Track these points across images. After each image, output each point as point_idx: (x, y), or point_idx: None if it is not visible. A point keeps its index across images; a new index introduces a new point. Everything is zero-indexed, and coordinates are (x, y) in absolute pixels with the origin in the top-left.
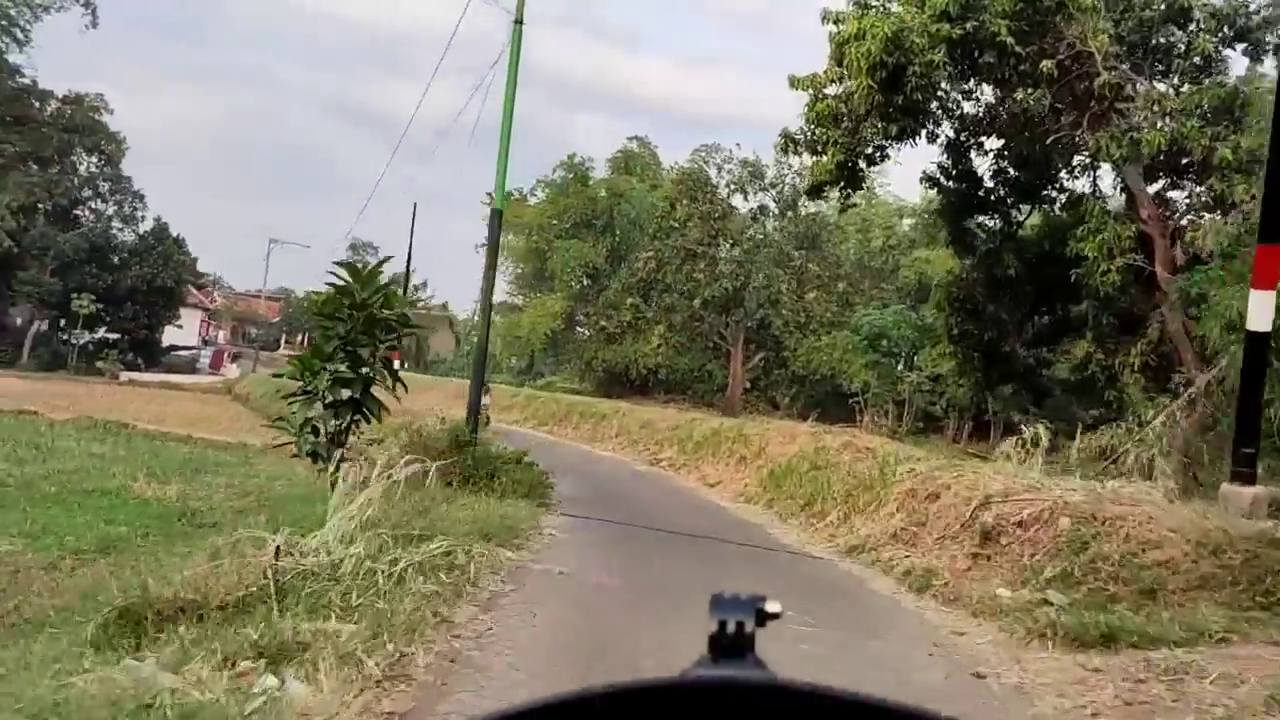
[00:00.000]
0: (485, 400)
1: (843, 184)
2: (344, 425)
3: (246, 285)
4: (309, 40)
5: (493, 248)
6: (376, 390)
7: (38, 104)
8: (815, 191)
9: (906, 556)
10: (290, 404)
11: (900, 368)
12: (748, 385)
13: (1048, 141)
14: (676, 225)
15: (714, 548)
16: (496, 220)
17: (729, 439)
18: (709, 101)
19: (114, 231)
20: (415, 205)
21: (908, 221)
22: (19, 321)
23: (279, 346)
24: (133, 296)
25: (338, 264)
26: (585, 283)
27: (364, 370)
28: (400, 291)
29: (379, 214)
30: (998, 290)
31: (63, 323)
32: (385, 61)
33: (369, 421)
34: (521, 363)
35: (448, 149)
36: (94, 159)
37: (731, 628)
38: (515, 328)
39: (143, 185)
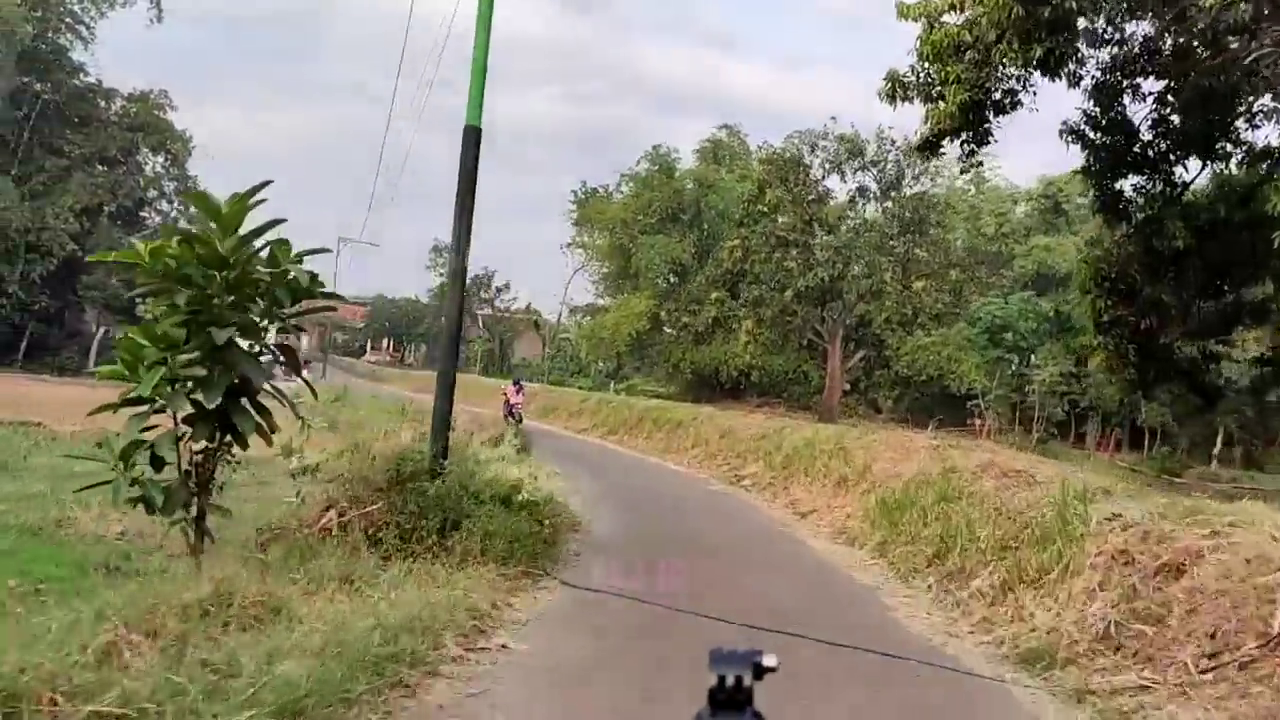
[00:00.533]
0: (518, 399)
1: (966, 135)
2: (205, 454)
3: (346, 294)
4: (408, 56)
5: (466, 175)
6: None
7: (102, 103)
8: (931, 145)
9: (1149, 696)
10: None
11: (1022, 364)
12: (847, 387)
13: (1233, 75)
14: (766, 211)
15: (798, 653)
16: (472, 142)
17: (825, 452)
18: (803, 104)
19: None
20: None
21: (1022, 208)
22: (93, 328)
23: (364, 352)
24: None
25: (184, 193)
26: (671, 280)
27: (231, 365)
28: (289, 252)
29: (480, 223)
30: (1158, 267)
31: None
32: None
33: (243, 447)
34: (608, 365)
35: (539, 154)
36: (160, 159)
37: (730, 681)
38: (600, 329)
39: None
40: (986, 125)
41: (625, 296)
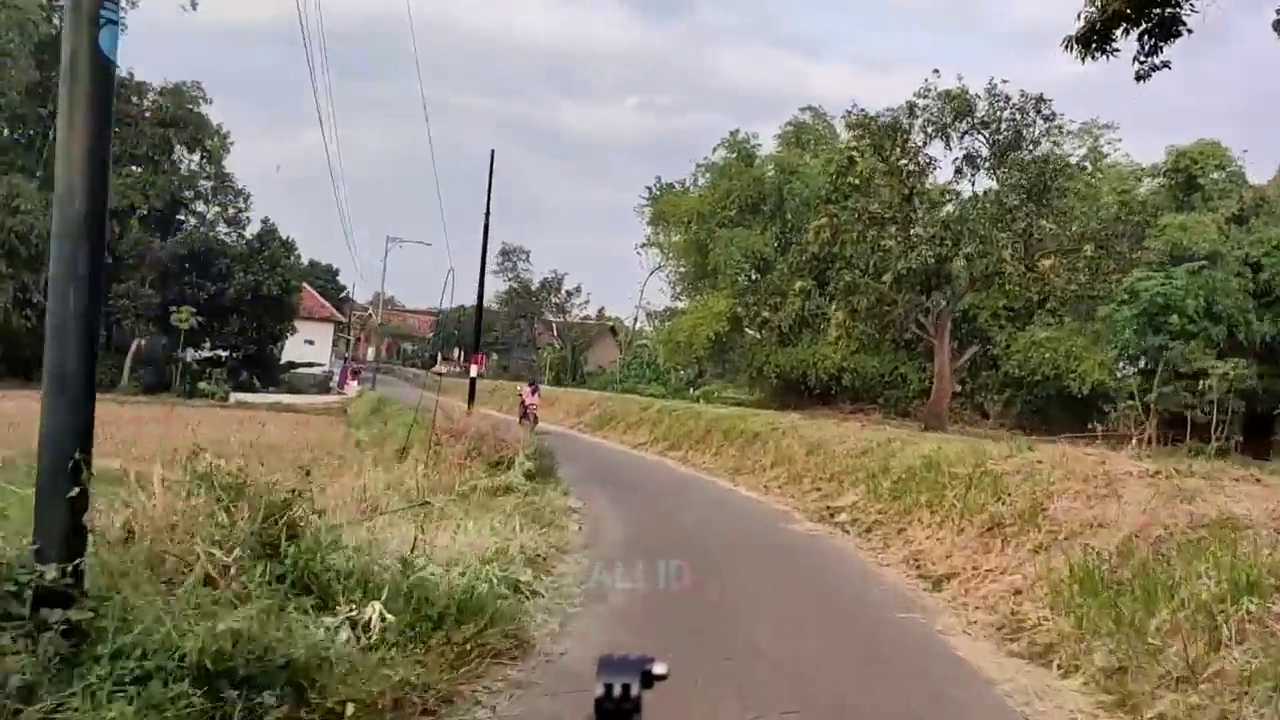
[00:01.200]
0: (533, 400)
1: (1146, 22)
2: None
3: (412, 304)
4: (484, 70)
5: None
6: None
7: (134, 99)
8: (1097, 38)
9: None
10: None
11: (1186, 355)
12: (957, 388)
13: None
14: (857, 185)
15: None
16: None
17: (959, 479)
18: (890, 105)
19: (222, 236)
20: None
21: (1147, 184)
22: (131, 340)
23: (435, 363)
24: (237, 307)
25: None
26: (753, 276)
27: None
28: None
29: (556, 233)
30: None
31: (166, 340)
32: (558, 83)
33: None
34: (688, 372)
35: (618, 164)
36: (195, 156)
37: (618, 690)
38: (676, 332)
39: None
40: (1174, 7)
41: (703, 296)
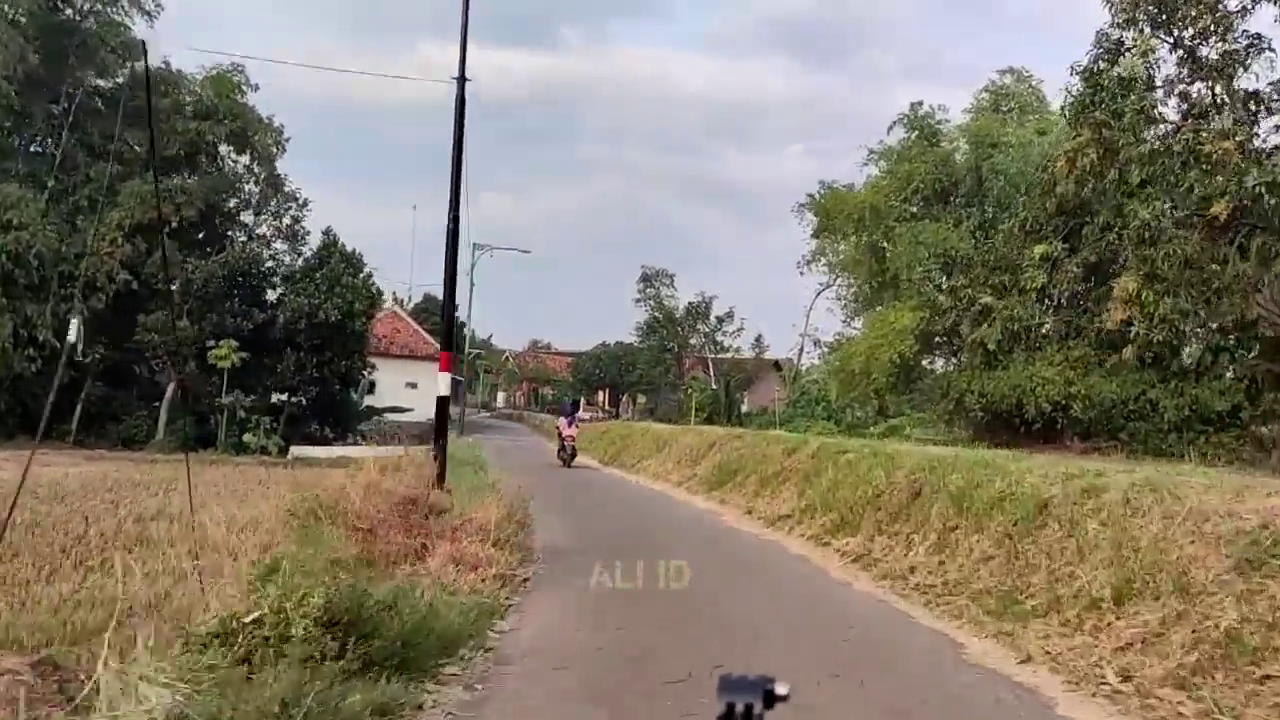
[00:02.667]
0: (570, 430)
1: None
2: None
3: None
4: (658, 127)
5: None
6: None
7: (165, 89)
8: None
9: None
10: None
11: None
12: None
13: None
14: (1129, 80)
15: None
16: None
17: None
18: None
19: (277, 253)
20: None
21: None
22: (162, 382)
23: (577, 408)
24: (291, 339)
25: None
26: (943, 283)
27: None
28: None
29: (728, 278)
30: None
31: (211, 382)
32: (729, 135)
33: None
34: (868, 409)
35: (782, 210)
36: (244, 157)
37: (740, 709)
38: (849, 360)
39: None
40: None
41: (880, 311)
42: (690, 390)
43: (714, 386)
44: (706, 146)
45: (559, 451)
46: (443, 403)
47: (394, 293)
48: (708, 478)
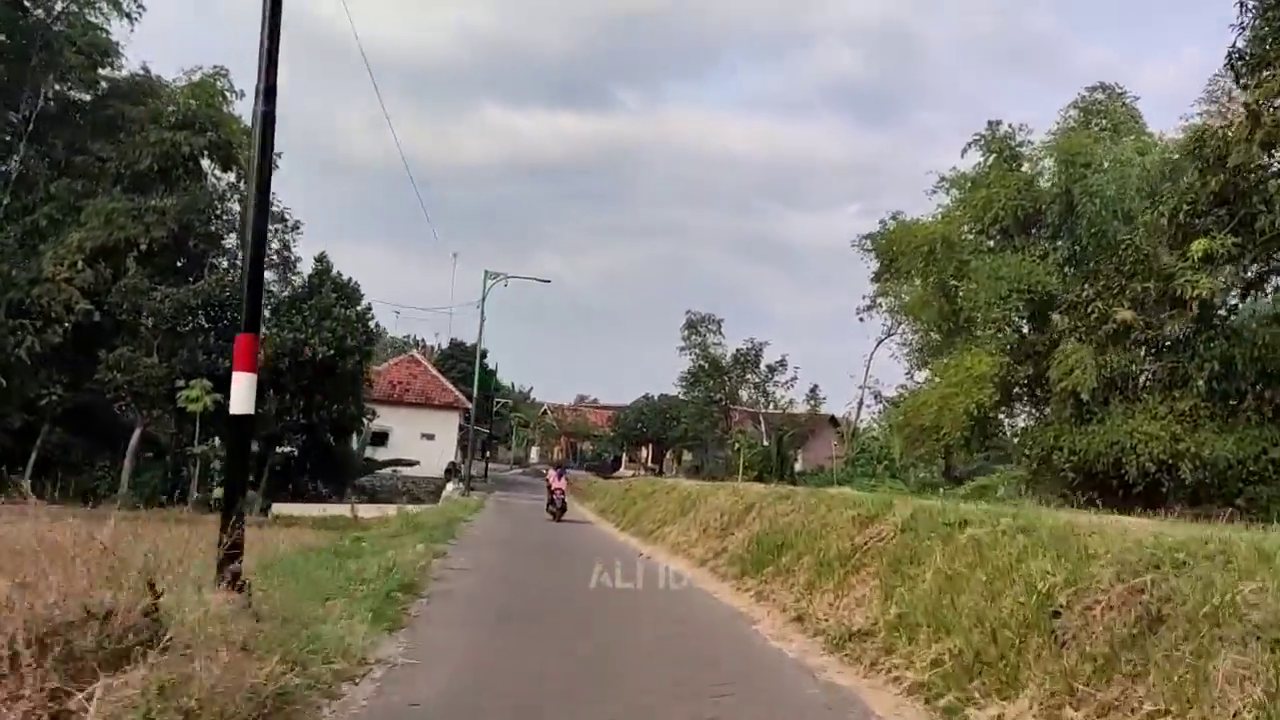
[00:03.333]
0: (559, 484)
1: None
2: None
3: (615, 399)
4: (711, 187)
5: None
6: None
7: (142, 97)
8: None
9: None
10: None
11: None
12: None
13: None
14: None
15: None
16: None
17: None
18: None
19: (265, 283)
20: None
21: None
22: (133, 429)
23: (618, 465)
24: (275, 380)
25: None
26: (1028, 320)
27: None
28: None
29: (780, 338)
30: None
31: (182, 428)
32: (782, 195)
33: None
34: (933, 469)
35: (839, 271)
36: (231, 175)
37: None
38: (915, 413)
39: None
40: None
41: (953, 357)
42: (738, 445)
43: (764, 442)
44: (759, 206)
45: (548, 505)
46: (240, 428)
47: (420, 338)
48: (740, 556)
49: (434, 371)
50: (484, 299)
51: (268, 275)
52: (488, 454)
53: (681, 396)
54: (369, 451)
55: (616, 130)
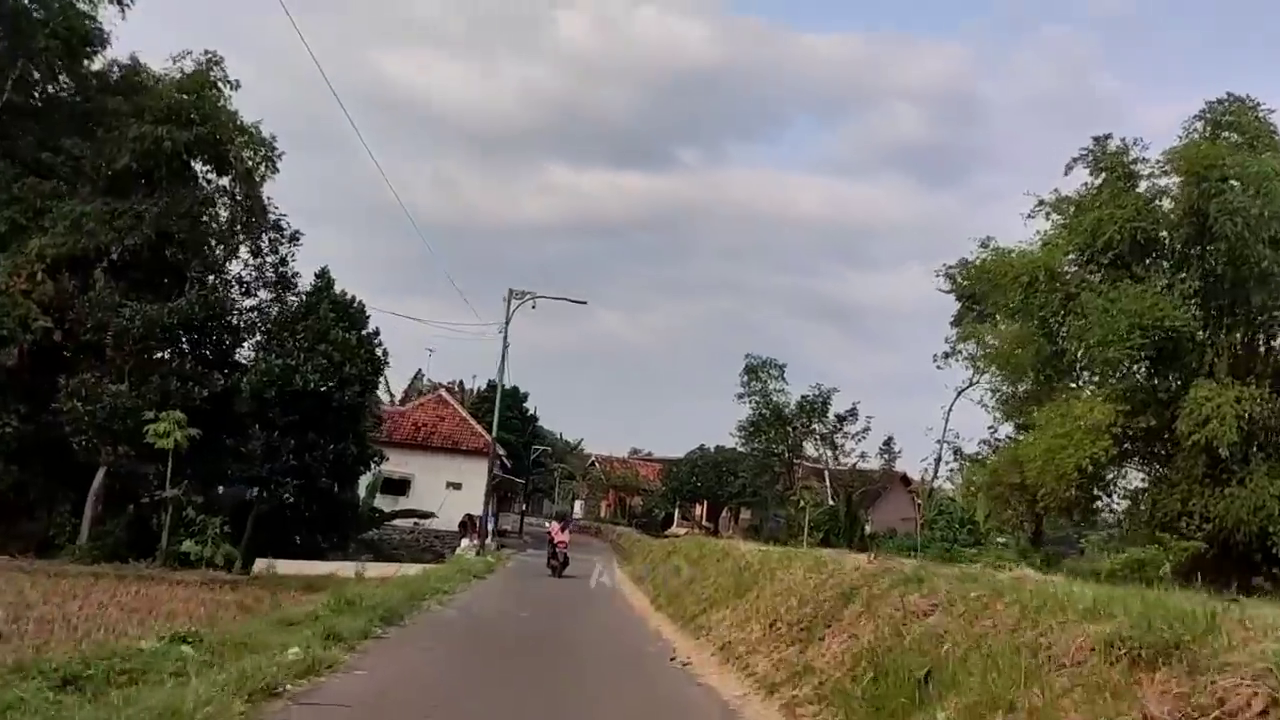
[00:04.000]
0: (562, 536)
1: None
2: None
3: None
4: (771, 246)
5: None
6: None
7: (125, 88)
8: None
9: None
10: None
11: None
12: None
13: None
14: None
15: None
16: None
17: None
18: None
19: (262, 303)
20: None
21: None
22: (98, 470)
23: (670, 523)
24: (261, 413)
25: None
26: (1149, 363)
27: None
28: None
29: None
30: None
31: (154, 470)
32: (844, 255)
33: None
34: (1018, 534)
35: (904, 331)
36: (225, 180)
37: None
38: (1006, 470)
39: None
40: None
41: (1056, 405)
42: (803, 502)
43: (831, 501)
44: (820, 266)
45: (549, 559)
46: None
47: (459, 381)
48: (842, 689)
49: (464, 413)
50: (508, 321)
51: (264, 295)
52: (524, 507)
53: (740, 448)
54: (384, 502)
55: (677, 189)
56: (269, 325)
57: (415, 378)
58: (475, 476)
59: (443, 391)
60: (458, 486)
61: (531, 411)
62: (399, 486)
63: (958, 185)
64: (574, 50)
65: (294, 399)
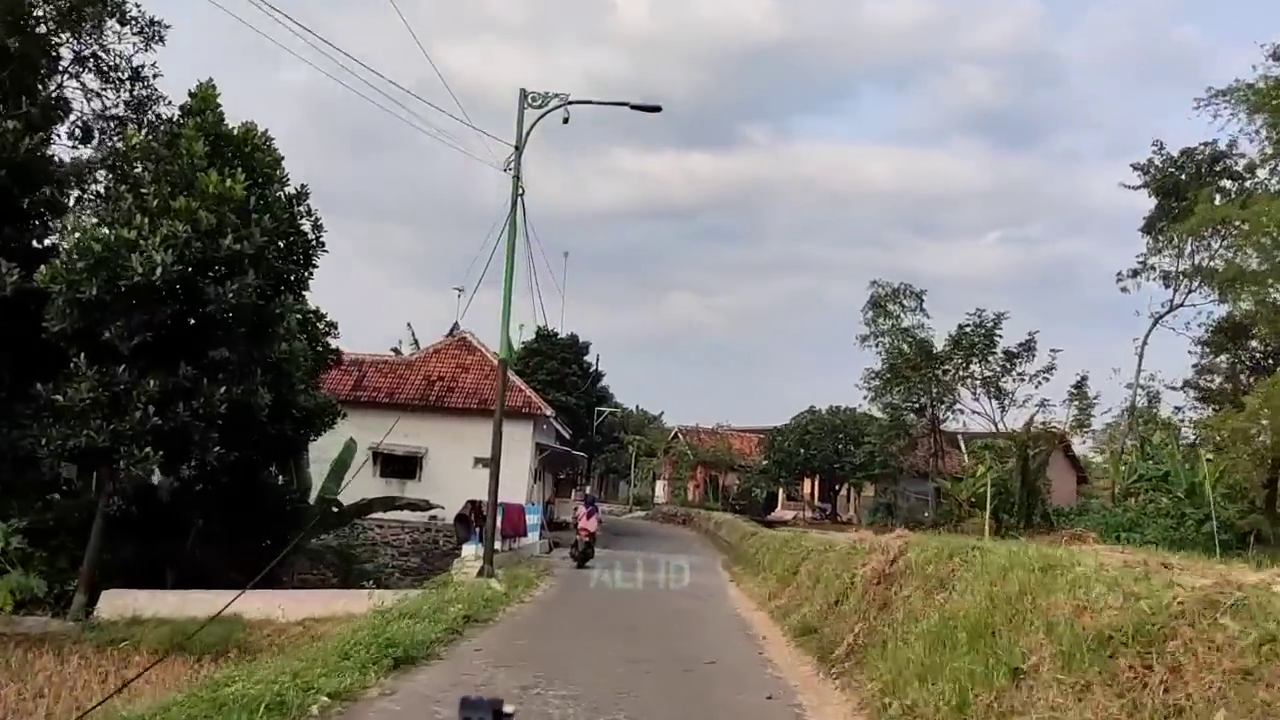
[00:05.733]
0: (587, 523)
1: None
2: None
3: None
4: (844, 221)
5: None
6: None
7: None
8: None
9: None
10: None
11: None
12: None
13: None
14: None
15: None
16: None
17: None
18: None
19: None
20: None
21: None
22: None
23: (773, 505)
24: (90, 333)
25: None
26: None
27: None
28: None
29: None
30: None
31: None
32: (919, 226)
33: None
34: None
35: (983, 301)
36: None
37: None
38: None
39: None
40: None
41: None
42: (976, 469)
43: (979, 454)
44: (894, 238)
45: (572, 548)
46: None
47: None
48: None
49: (494, 360)
50: (526, 133)
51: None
52: (590, 491)
53: (866, 407)
54: (378, 487)
55: (745, 167)
56: (99, 177)
57: (451, 332)
58: (515, 450)
59: (468, 334)
60: (484, 463)
61: (595, 367)
62: (404, 466)
63: (1034, 148)
64: (635, 33)
65: (142, 302)
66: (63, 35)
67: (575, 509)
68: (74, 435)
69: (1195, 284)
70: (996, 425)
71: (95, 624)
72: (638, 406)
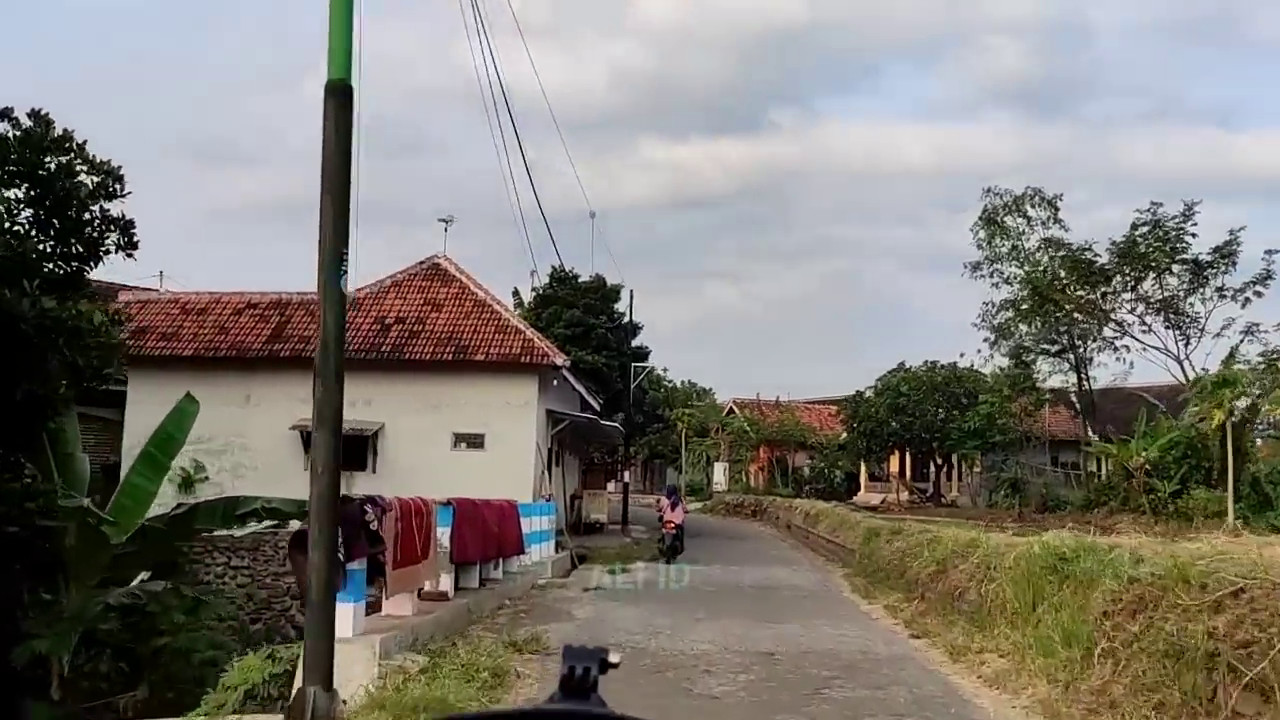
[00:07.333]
0: (673, 515)
1: None
2: None
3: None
4: (876, 200)
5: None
6: None
7: None
8: None
9: None
10: None
11: None
12: None
13: None
14: None
15: None
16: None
17: None
18: None
19: None
20: None
21: None
22: None
23: (857, 486)
24: None
25: None
26: None
27: None
28: None
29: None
30: None
31: None
32: (955, 202)
33: None
34: None
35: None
36: None
37: (580, 672)
38: None
39: None
40: None
41: None
42: (1160, 424)
43: (1093, 436)
44: (928, 215)
45: (658, 543)
46: None
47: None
48: None
49: (481, 293)
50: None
51: None
52: (627, 477)
53: (979, 359)
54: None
55: (775, 152)
56: None
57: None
58: (514, 420)
59: (443, 258)
60: (479, 444)
61: (629, 318)
62: (349, 451)
63: (1069, 117)
64: (658, 23)
65: None
66: None
67: (657, 502)
68: None
69: None
70: (1181, 362)
71: None
72: (685, 380)
